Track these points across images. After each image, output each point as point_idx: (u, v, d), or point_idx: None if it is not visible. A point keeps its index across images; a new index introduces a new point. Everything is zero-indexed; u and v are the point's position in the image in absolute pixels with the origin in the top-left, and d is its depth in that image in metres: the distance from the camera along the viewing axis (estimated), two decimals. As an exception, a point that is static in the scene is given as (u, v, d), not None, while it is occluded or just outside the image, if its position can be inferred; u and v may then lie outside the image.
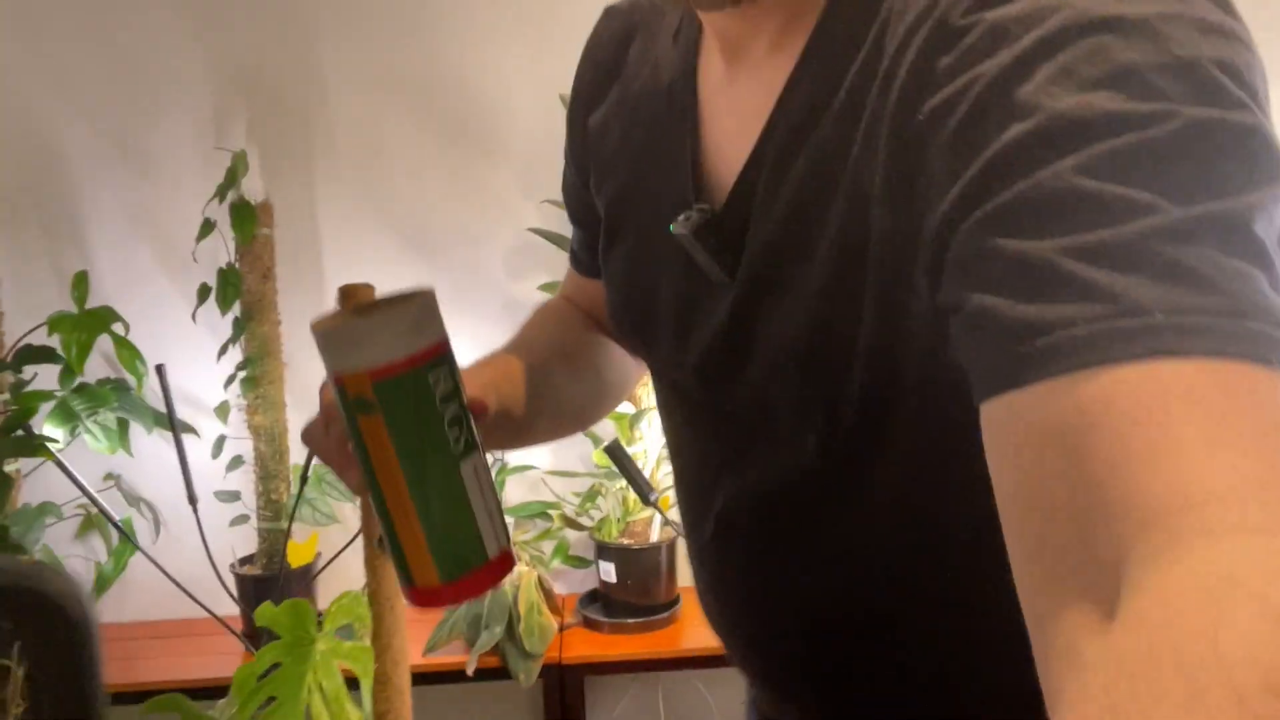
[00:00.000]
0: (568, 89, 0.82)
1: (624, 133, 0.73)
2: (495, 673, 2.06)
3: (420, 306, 0.58)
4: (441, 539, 0.59)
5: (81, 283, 2.10)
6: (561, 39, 2.23)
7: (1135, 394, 0.33)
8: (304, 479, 2.06)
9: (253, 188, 2.22)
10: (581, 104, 0.79)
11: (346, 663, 1.36)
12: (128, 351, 2.06)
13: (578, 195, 0.83)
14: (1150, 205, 0.36)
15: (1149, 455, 0.32)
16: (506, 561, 0.61)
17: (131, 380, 2.09)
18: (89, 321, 2.01)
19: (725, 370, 0.66)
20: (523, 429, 0.78)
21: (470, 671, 2.03)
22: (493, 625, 2.05)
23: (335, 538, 2.23)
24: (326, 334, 0.58)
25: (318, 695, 1.36)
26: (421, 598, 0.61)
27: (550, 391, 0.80)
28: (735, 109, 0.63)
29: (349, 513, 2.22)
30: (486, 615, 2.06)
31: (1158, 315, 0.34)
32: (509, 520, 2.25)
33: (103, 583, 2.14)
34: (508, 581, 2.11)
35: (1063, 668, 0.31)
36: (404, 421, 0.57)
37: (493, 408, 0.70)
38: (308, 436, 0.68)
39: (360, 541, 1.93)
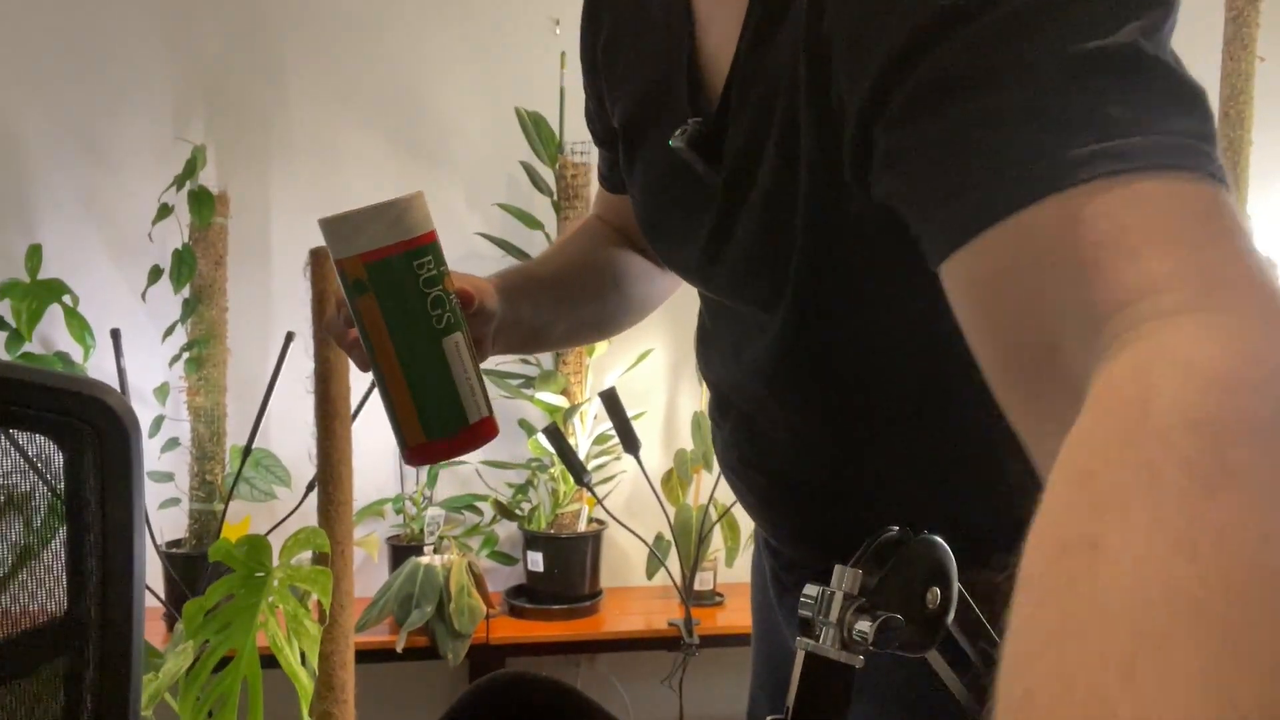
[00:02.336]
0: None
1: (630, 50, 0.77)
2: (423, 652, 2.12)
3: (408, 203, 0.68)
4: (426, 403, 0.68)
5: (35, 254, 2.14)
6: (508, 56, 2.41)
7: (1087, 210, 0.36)
8: (245, 455, 2.12)
9: (208, 182, 2.30)
10: (588, 34, 0.84)
11: (305, 585, 1.43)
12: (76, 322, 2.10)
13: (599, 119, 0.87)
14: (1050, 56, 0.39)
15: (1098, 260, 0.35)
16: (488, 427, 0.71)
17: (78, 353, 2.13)
18: (40, 291, 2.05)
19: (711, 270, 0.72)
20: (540, 334, 0.87)
21: (399, 649, 2.09)
22: (423, 604, 2.12)
23: (265, 522, 2.27)
24: (331, 223, 0.68)
25: (272, 619, 1.42)
26: (413, 455, 0.70)
27: (568, 301, 0.88)
28: (723, 16, 0.66)
29: (283, 493, 2.27)
30: (418, 594, 2.13)
31: (1092, 146, 0.37)
32: (440, 512, 2.33)
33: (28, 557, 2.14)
34: (439, 563, 2.18)
35: (1046, 468, 0.32)
36: (392, 298, 0.67)
37: (489, 305, 0.77)
38: (328, 326, 0.78)
39: (293, 519, 1.99)
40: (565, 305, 0.89)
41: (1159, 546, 0.25)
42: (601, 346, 2.39)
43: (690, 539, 2.30)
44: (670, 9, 0.72)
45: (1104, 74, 0.38)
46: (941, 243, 0.42)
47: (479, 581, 2.22)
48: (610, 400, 2.11)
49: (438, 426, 0.69)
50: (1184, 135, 0.37)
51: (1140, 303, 0.34)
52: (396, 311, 0.68)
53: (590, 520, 2.35)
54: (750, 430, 0.80)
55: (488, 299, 0.77)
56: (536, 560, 2.28)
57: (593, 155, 1.30)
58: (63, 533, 0.90)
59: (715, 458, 0.95)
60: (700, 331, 0.87)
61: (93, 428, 0.79)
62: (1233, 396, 0.29)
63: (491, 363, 1.04)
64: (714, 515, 2.31)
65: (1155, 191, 0.36)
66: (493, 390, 2.41)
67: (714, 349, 0.83)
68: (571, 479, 2.24)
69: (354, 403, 1.61)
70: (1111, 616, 0.24)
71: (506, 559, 2.41)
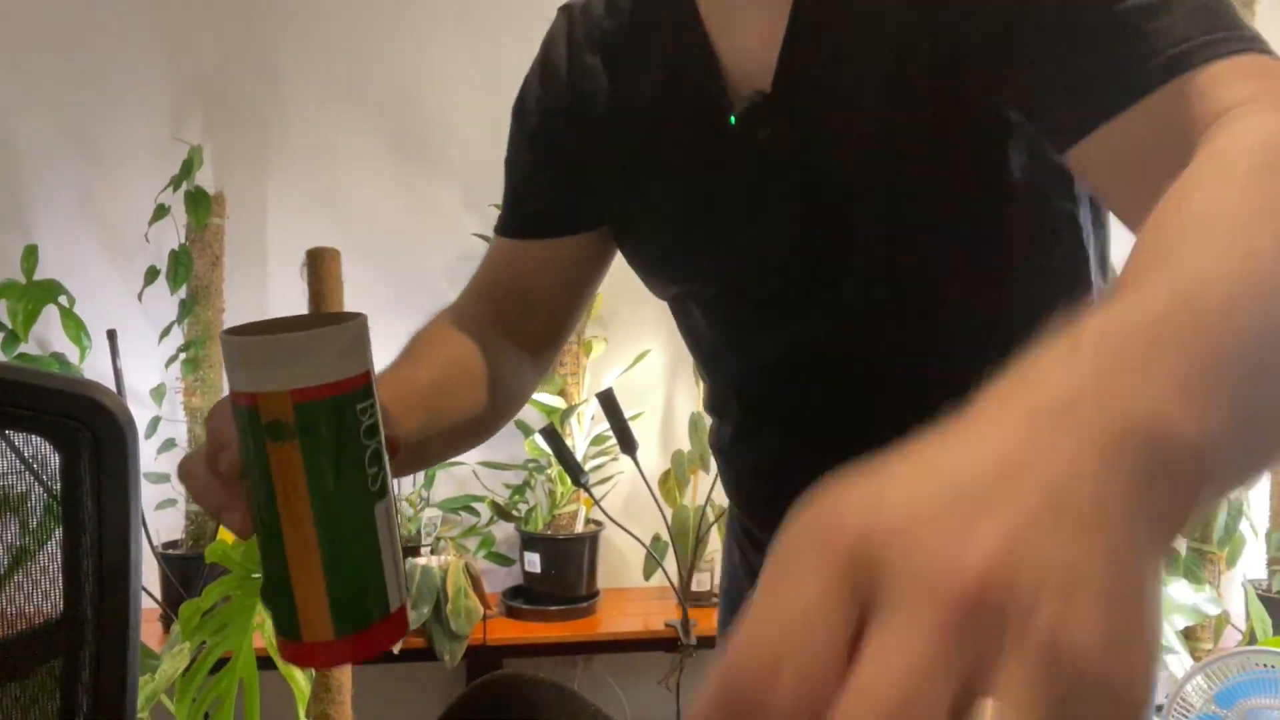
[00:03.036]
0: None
1: (629, 70, 0.78)
2: (421, 653, 2.12)
3: (356, 329, 0.54)
4: (345, 587, 0.53)
5: (31, 255, 2.14)
6: (505, 59, 2.41)
7: (1197, 81, 0.54)
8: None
9: (204, 183, 2.30)
10: (559, 68, 0.81)
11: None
12: (73, 323, 2.10)
13: (558, 159, 0.83)
14: None
15: (1214, 98, 0.53)
16: (404, 619, 0.56)
17: (74, 354, 2.13)
18: (36, 291, 2.05)
19: (775, 244, 0.73)
20: (415, 455, 0.72)
21: (396, 650, 2.09)
22: (421, 606, 2.12)
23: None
24: (246, 346, 0.52)
25: (269, 622, 1.42)
26: (308, 655, 0.54)
27: (444, 411, 0.75)
28: (744, 9, 0.72)
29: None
30: (415, 595, 2.13)
31: (1195, 40, 0.55)
32: (437, 513, 2.33)
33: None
34: (436, 564, 2.18)
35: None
36: (323, 452, 0.52)
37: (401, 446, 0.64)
38: (186, 468, 0.60)
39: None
40: (443, 417, 0.75)
41: (1240, 200, 0.40)
42: (599, 347, 2.39)
43: (688, 540, 2.30)
44: (676, 25, 0.75)
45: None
46: (1095, 110, 0.57)
47: (476, 582, 2.21)
48: (607, 401, 2.11)
49: (352, 619, 0.53)
50: (1235, 27, 0.56)
51: (1231, 110, 0.51)
52: (325, 469, 0.52)
53: (587, 521, 2.35)
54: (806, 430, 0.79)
55: (398, 434, 0.64)
56: (534, 561, 2.28)
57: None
58: (59, 534, 0.89)
59: (726, 463, 0.90)
60: (711, 350, 0.85)
61: (89, 429, 0.79)
62: (1254, 147, 0.45)
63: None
64: (711, 516, 2.31)
65: (1248, 61, 0.54)
66: (490, 391, 2.41)
67: (736, 356, 0.82)
68: (569, 480, 2.24)
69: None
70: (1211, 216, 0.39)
71: (504, 560, 2.41)
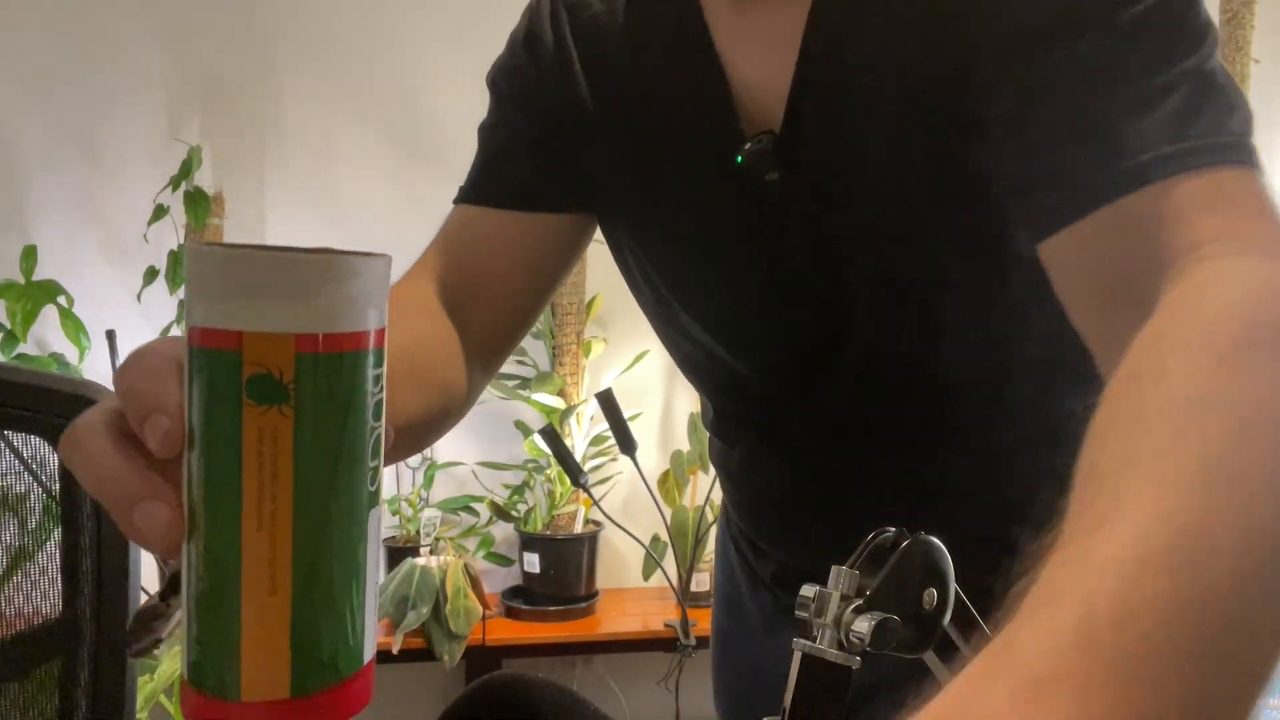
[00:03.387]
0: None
1: (622, 78, 0.73)
2: (420, 654, 2.12)
3: (383, 266, 0.40)
4: (317, 623, 0.37)
5: (30, 255, 2.14)
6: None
7: (1173, 194, 0.50)
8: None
9: (203, 183, 2.30)
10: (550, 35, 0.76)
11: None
12: (72, 323, 2.10)
13: (540, 128, 0.77)
14: (1145, 73, 0.52)
15: (1183, 224, 0.49)
16: (370, 678, 0.40)
17: (73, 354, 2.13)
18: (35, 291, 2.05)
19: (776, 285, 0.71)
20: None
21: (396, 650, 2.09)
22: (419, 606, 2.12)
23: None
24: (240, 261, 0.36)
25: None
26: (246, 715, 0.37)
27: (391, 401, 0.55)
28: (756, 38, 0.68)
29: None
30: (414, 596, 2.13)
31: (1176, 146, 0.50)
32: (436, 514, 2.33)
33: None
34: (435, 564, 2.18)
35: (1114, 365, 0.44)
36: (324, 426, 0.37)
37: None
38: (76, 441, 0.40)
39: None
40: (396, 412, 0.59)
41: (1205, 380, 0.37)
42: (598, 347, 2.39)
43: (687, 540, 2.30)
44: (684, 48, 0.70)
45: (1182, 90, 0.52)
46: (1057, 212, 0.54)
47: (475, 583, 2.21)
48: (607, 401, 2.11)
49: (317, 672, 0.38)
50: (1235, 135, 0.52)
51: (1201, 248, 0.47)
52: (326, 452, 0.37)
53: (587, 521, 2.35)
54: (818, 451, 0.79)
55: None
56: (533, 561, 2.28)
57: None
58: (57, 534, 0.89)
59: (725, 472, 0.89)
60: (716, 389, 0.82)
61: (88, 429, 0.79)
62: (1261, 301, 0.42)
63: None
64: (710, 516, 2.31)
65: (1219, 179, 0.50)
66: (490, 391, 2.42)
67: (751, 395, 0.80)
68: (568, 480, 2.24)
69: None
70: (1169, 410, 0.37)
71: (503, 560, 2.41)
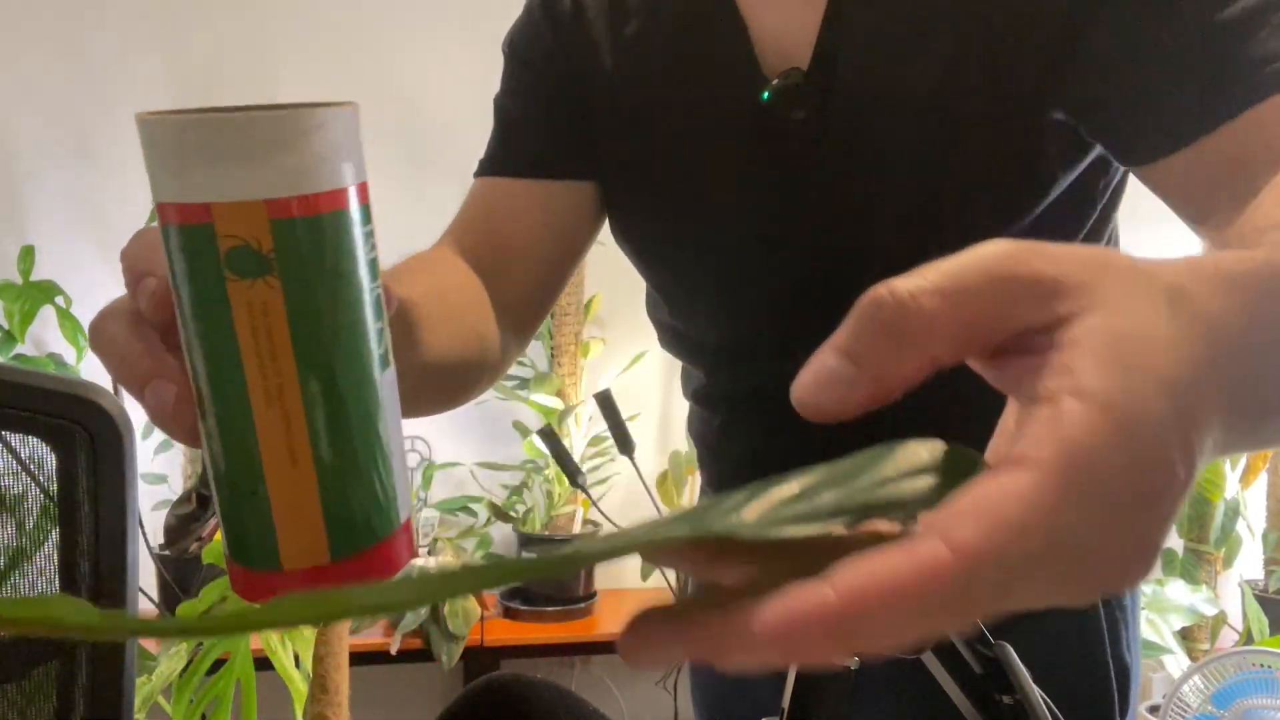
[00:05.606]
0: (503, 42, 0.80)
1: (639, 32, 0.73)
2: (418, 654, 2.12)
3: (350, 117, 0.38)
4: (346, 489, 0.37)
5: (27, 256, 2.14)
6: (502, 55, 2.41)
7: None
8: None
9: (201, 182, 2.30)
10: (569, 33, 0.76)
11: (299, 587, 1.42)
12: (70, 323, 2.10)
13: (556, 93, 0.77)
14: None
15: None
16: (410, 537, 0.40)
17: (71, 354, 2.13)
18: (33, 292, 2.05)
19: (788, 227, 0.69)
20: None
21: (394, 651, 2.09)
22: (418, 606, 2.12)
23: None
24: (193, 128, 0.35)
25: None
26: (292, 583, 0.37)
27: (423, 339, 0.58)
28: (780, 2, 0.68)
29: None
30: (412, 596, 2.13)
31: (1273, 65, 0.54)
32: (434, 514, 2.33)
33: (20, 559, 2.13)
34: (433, 565, 2.18)
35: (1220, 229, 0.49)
36: (315, 292, 0.36)
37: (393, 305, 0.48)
38: (100, 327, 0.41)
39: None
40: (419, 345, 0.59)
41: None
42: (596, 348, 2.39)
43: (685, 541, 2.30)
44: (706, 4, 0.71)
45: (1269, 15, 0.55)
46: (1179, 130, 0.56)
47: (473, 583, 2.21)
48: (605, 402, 2.11)
49: (353, 535, 0.38)
50: None
51: None
52: (322, 318, 0.36)
53: (585, 522, 2.35)
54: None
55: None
56: (531, 562, 2.28)
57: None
58: (55, 535, 0.89)
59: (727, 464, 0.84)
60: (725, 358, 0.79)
61: (85, 430, 0.79)
62: None
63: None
64: (709, 517, 2.31)
65: None
66: (489, 391, 2.41)
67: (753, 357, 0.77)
68: (566, 481, 2.24)
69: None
70: None
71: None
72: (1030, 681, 0.58)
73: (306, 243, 0.36)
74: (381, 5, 2.41)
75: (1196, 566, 2.40)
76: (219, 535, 2.07)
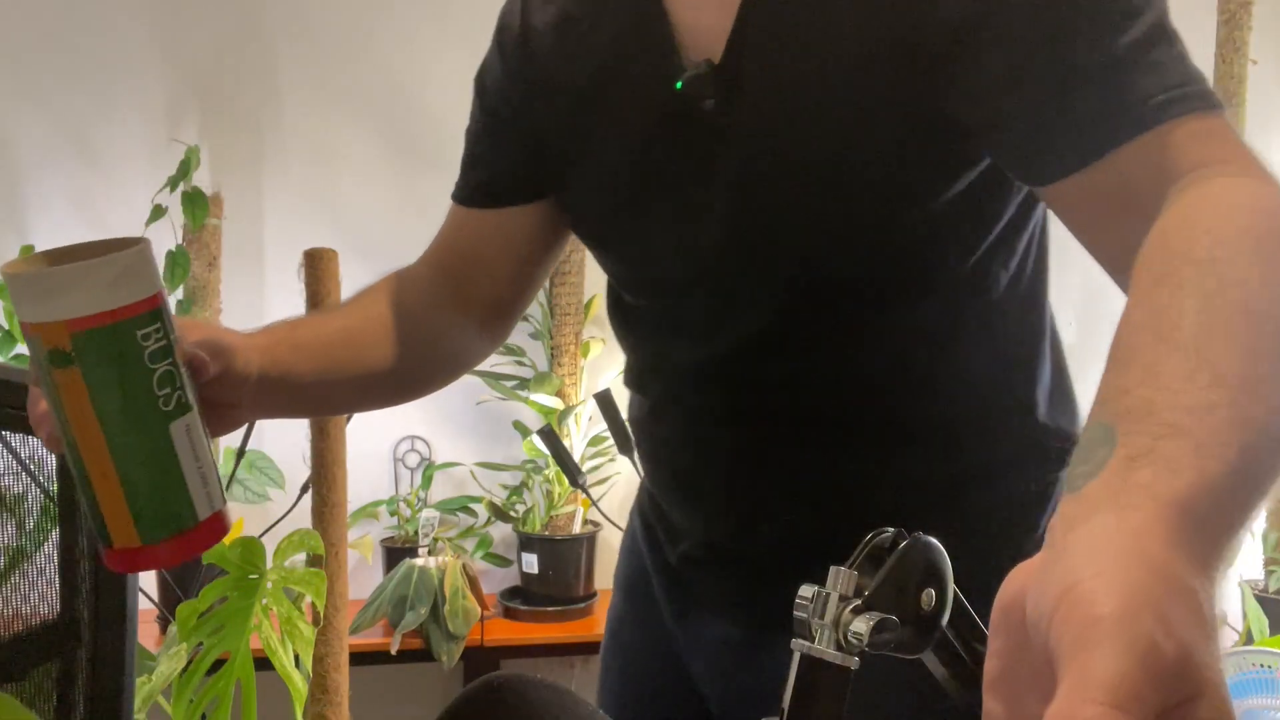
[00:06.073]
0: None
1: (582, 35, 0.78)
2: (418, 654, 2.12)
3: (130, 258, 0.55)
4: (146, 502, 0.56)
5: (27, 255, 2.14)
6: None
7: (1178, 137, 0.57)
8: (239, 456, 2.12)
9: (201, 183, 2.30)
10: (510, 36, 0.83)
11: (299, 587, 1.42)
12: (70, 324, 2.10)
13: (506, 118, 0.84)
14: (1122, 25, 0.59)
15: (1181, 156, 0.57)
16: (219, 524, 0.59)
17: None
18: (33, 292, 2.04)
19: (711, 216, 0.73)
20: (316, 395, 0.77)
21: (394, 651, 2.09)
22: (418, 606, 2.12)
23: (258, 524, 2.26)
24: (20, 279, 0.53)
25: (266, 622, 1.42)
26: (121, 559, 0.58)
27: (350, 361, 0.77)
28: None
29: (277, 495, 2.27)
30: (412, 596, 2.13)
31: (1166, 94, 0.58)
32: (434, 514, 2.33)
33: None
34: (433, 565, 2.18)
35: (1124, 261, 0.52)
36: (104, 377, 0.55)
37: (239, 368, 0.66)
38: (30, 397, 0.62)
39: (287, 521, 1.99)
40: (350, 363, 0.78)
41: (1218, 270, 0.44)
42: (596, 348, 2.39)
43: (685, 541, 2.30)
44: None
45: (1155, 42, 0.59)
46: (1067, 159, 0.60)
47: (473, 583, 2.21)
48: (605, 402, 2.11)
49: (158, 528, 0.57)
50: (1201, 83, 0.59)
51: (1201, 169, 0.55)
52: (111, 393, 0.55)
53: (585, 522, 2.35)
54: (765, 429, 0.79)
55: (236, 360, 0.65)
56: (531, 562, 2.28)
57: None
58: (55, 534, 0.89)
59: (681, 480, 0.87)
60: (653, 360, 0.84)
61: (86, 429, 0.79)
62: (1267, 202, 0.51)
63: (486, 362, 1.01)
64: (709, 517, 2.31)
65: (1205, 121, 0.58)
66: (488, 391, 2.42)
67: (675, 361, 0.82)
68: (566, 481, 2.24)
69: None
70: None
71: (501, 561, 2.41)
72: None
73: (97, 344, 0.55)
74: (381, 5, 2.41)
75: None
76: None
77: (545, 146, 0.81)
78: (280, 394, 0.71)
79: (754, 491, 0.80)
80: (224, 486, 0.61)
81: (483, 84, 0.87)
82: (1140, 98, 0.58)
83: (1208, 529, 0.36)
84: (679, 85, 0.71)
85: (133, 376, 0.55)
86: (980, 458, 0.77)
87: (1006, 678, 0.31)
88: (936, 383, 0.76)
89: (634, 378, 0.88)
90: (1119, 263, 0.59)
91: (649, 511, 0.91)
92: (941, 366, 0.75)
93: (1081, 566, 0.32)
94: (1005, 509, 0.78)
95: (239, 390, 0.66)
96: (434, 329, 0.85)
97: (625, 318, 0.85)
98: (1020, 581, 0.34)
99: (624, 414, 2.11)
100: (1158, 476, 0.36)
